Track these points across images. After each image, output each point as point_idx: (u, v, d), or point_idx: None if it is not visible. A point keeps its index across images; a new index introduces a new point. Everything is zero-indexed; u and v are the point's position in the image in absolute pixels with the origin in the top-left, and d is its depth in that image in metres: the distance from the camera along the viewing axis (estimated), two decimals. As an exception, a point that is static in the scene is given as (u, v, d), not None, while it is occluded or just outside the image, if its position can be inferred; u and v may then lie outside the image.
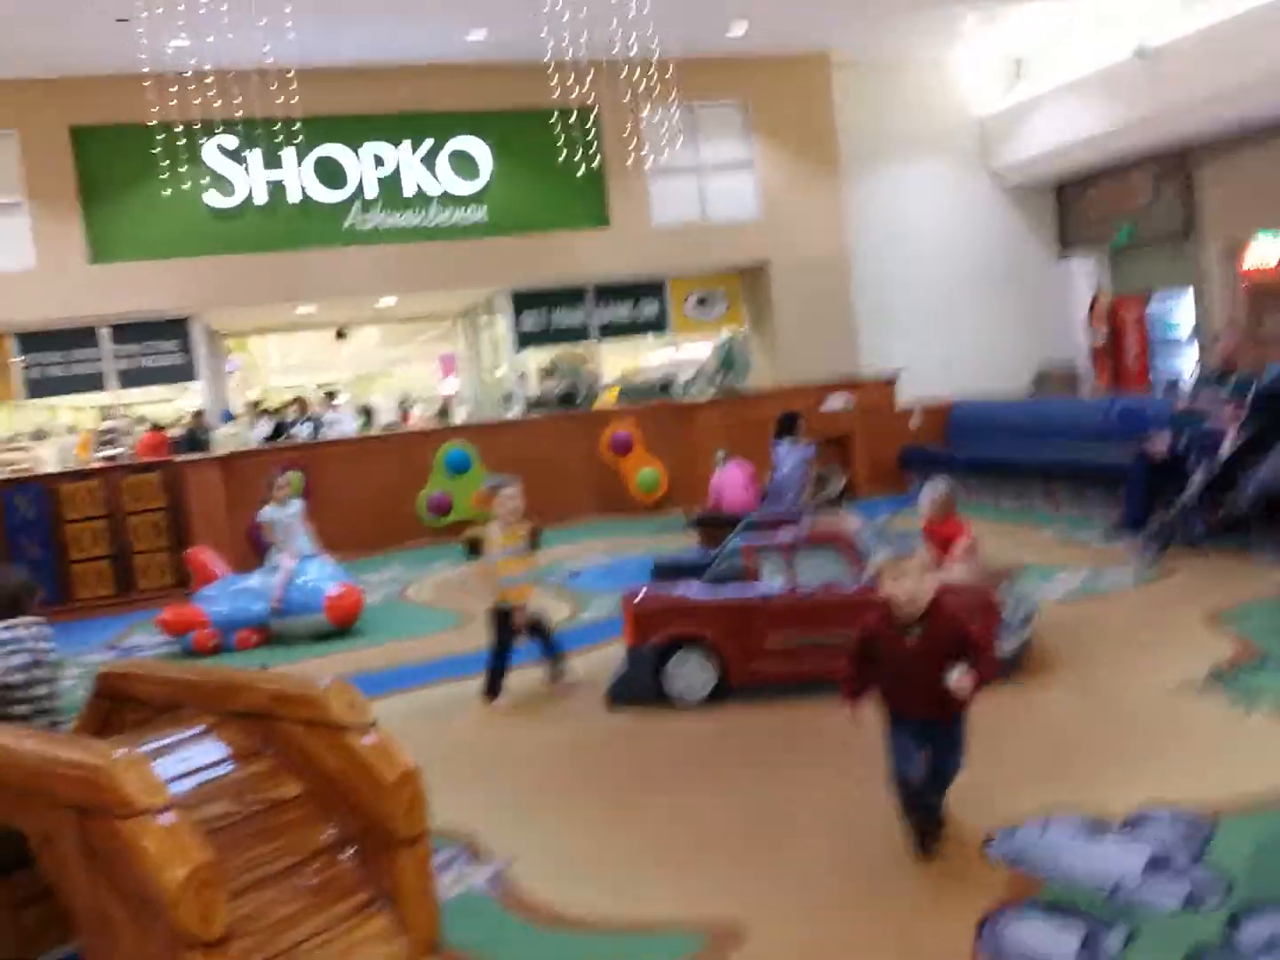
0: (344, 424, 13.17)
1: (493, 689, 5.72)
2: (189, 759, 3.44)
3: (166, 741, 3.52)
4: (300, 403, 13.99)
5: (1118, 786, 3.86)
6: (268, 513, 7.77)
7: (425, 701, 5.84)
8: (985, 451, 10.39)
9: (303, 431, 12.51)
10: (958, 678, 3.36)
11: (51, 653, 3.82)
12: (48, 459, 13.03)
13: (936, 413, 11.67)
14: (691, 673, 5.33)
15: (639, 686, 5.38)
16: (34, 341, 12.19)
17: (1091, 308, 14.86)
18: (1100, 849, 3.42)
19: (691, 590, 5.49)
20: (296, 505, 7.94)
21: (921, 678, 3.46)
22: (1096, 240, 14.83)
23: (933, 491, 6.36)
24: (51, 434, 13.91)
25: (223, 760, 3.48)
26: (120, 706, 3.89)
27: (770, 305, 13.96)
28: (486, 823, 4.15)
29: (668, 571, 6.54)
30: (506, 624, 5.76)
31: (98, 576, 10.05)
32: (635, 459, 11.51)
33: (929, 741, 3.53)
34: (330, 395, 14.90)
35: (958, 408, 11.67)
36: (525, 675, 6.06)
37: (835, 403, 11.73)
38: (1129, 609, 6.14)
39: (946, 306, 14.52)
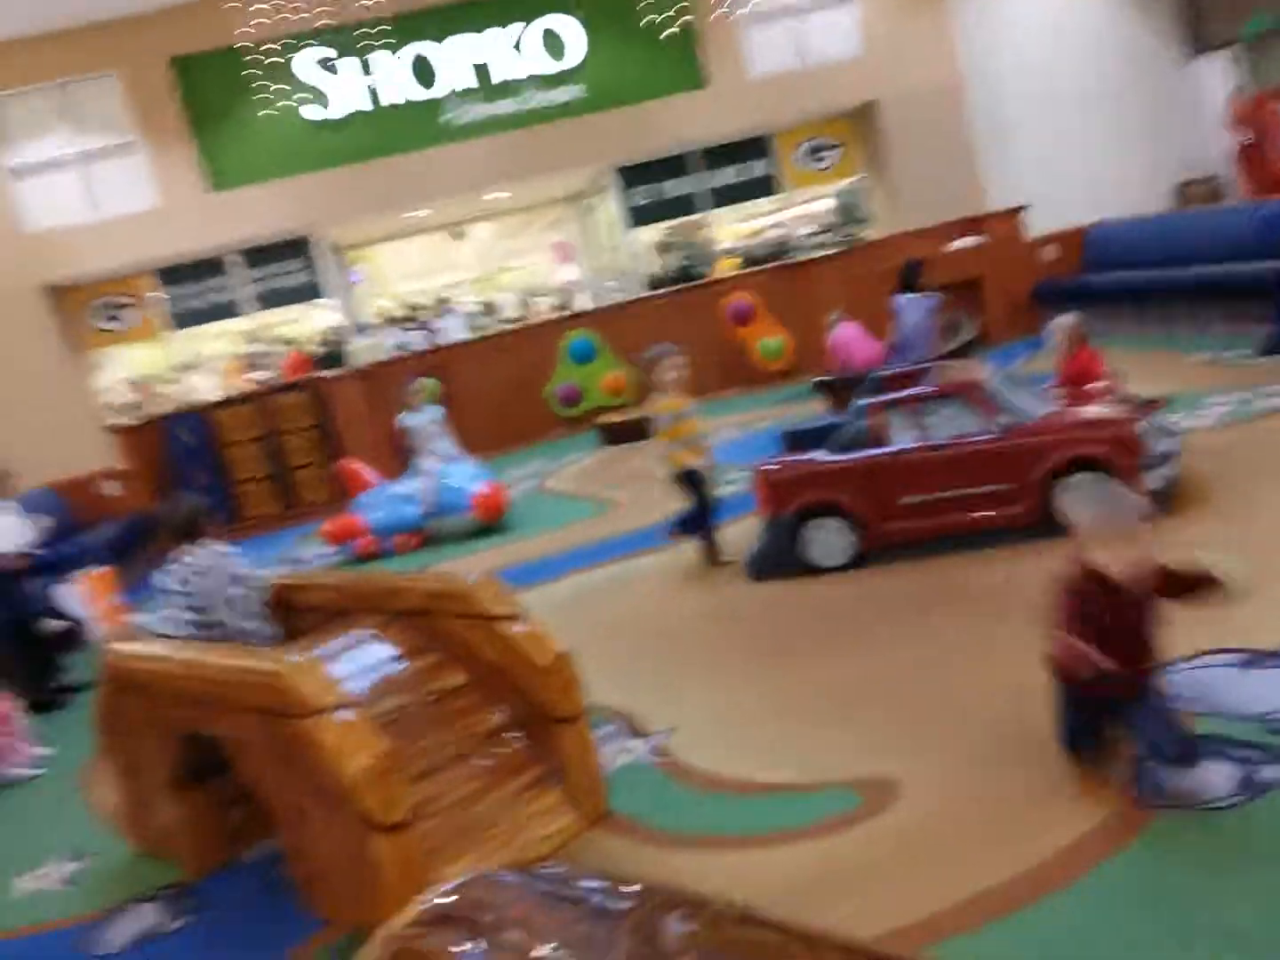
0: (454, 329, 13.31)
1: (711, 551, 5.87)
2: (360, 659, 3.69)
3: (339, 644, 3.78)
4: (415, 310, 14.23)
5: (1273, 619, 3.77)
6: (407, 419, 8.04)
7: (574, 587, 6.06)
8: (1124, 277, 9.90)
9: (415, 340, 12.72)
10: None
11: (239, 567, 4.07)
12: (202, 388, 13.67)
13: (1070, 241, 11.12)
14: (829, 538, 5.37)
15: (778, 557, 5.45)
16: (171, 275, 12.70)
17: (1231, 109, 13.80)
18: (1255, 680, 3.38)
19: (822, 456, 5.49)
20: (435, 411, 8.19)
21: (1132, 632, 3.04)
22: (1228, 36, 13.68)
23: (1060, 326, 6.16)
24: (201, 364, 14.53)
25: (392, 658, 3.72)
26: (294, 615, 4.17)
27: (884, 147, 13.42)
28: (643, 697, 4.34)
29: (798, 439, 6.55)
30: (695, 483, 5.86)
31: (262, 495, 10.62)
32: (757, 328, 11.40)
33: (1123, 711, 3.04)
34: (443, 301, 15.08)
35: (1092, 233, 11.10)
36: (667, 554, 6.23)
37: (961, 243, 11.30)
38: (1285, 430, 5.87)
39: (1071, 127, 13.67)
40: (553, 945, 1.68)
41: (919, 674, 4.02)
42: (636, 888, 1.88)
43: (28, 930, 3.74)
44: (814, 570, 5.37)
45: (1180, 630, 3.83)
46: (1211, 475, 5.35)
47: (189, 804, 3.71)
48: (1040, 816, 2.96)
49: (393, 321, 14.41)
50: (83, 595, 6.94)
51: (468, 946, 1.72)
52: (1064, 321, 6.22)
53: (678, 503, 7.18)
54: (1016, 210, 11.58)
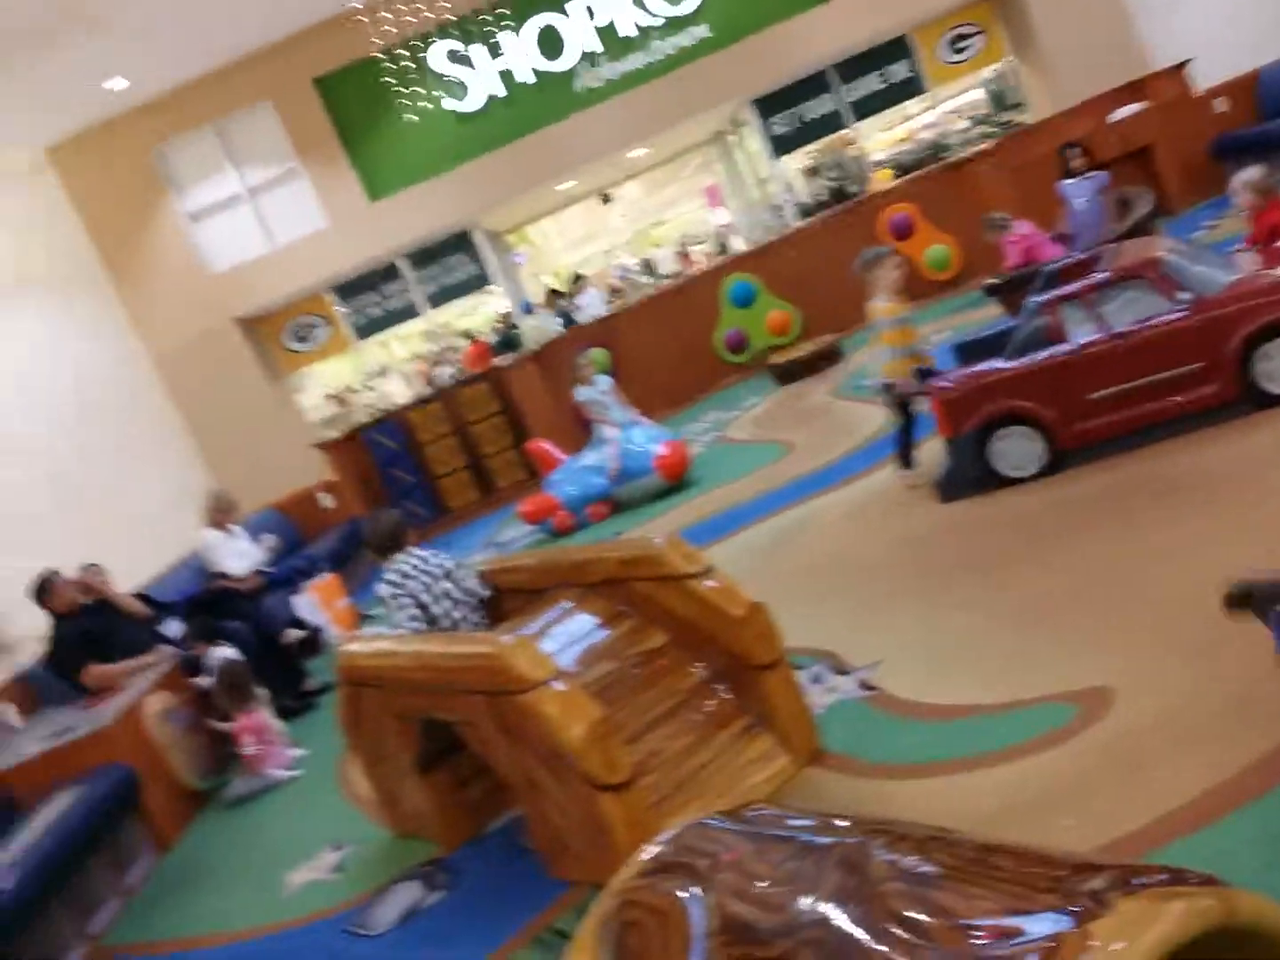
0: (593, 306, 13.35)
1: (906, 461, 5.87)
2: (565, 632, 3.89)
3: (544, 621, 3.99)
4: (565, 286, 14.34)
5: None
6: (582, 393, 8.25)
7: (765, 533, 6.12)
8: (1313, 116, 9.11)
9: (553, 325, 12.78)
10: None
11: (443, 565, 4.33)
12: (394, 392, 14.34)
13: (1242, 88, 10.27)
14: (1018, 448, 5.24)
15: (967, 475, 5.36)
16: (348, 289, 13.35)
17: None
18: None
19: (999, 364, 5.35)
20: (606, 381, 8.36)
21: None
22: None
23: (1244, 180, 5.78)
24: (389, 369, 15.23)
25: (594, 627, 3.90)
26: (499, 597, 4.42)
27: (1029, 22, 12.68)
28: (845, 634, 4.39)
29: (973, 350, 6.37)
30: (904, 399, 5.79)
31: (461, 486, 11.10)
32: (919, 238, 11.06)
33: None
34: (578, 278, 15.20)
35: (1266, 77, 10.23)
36: (855, 488, 6.21)
37: (1124, 112, 10.62)
38: None
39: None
40: (764, 884, 1.78)
41: (1126, 576, 3.91)
42: (843, 822, 1.95)
43: (305, 919, 4.12)
44: (1007, 482, 5.25)
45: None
46: None
47: (433, 785, 4.02)
48: (1260, 713, 2.86)
49: (552, 296, 14.68)
50: (315, 603, 7.48)
51: (687, 892, 1.84)
52: (1248, 176, 5.83)
53: (861, 433, 7.16)
54: (1180, 65, 10.78)
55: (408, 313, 13.59)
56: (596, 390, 8.23)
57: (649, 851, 2.03)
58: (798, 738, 3.55)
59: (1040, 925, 1.45)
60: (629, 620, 3.90)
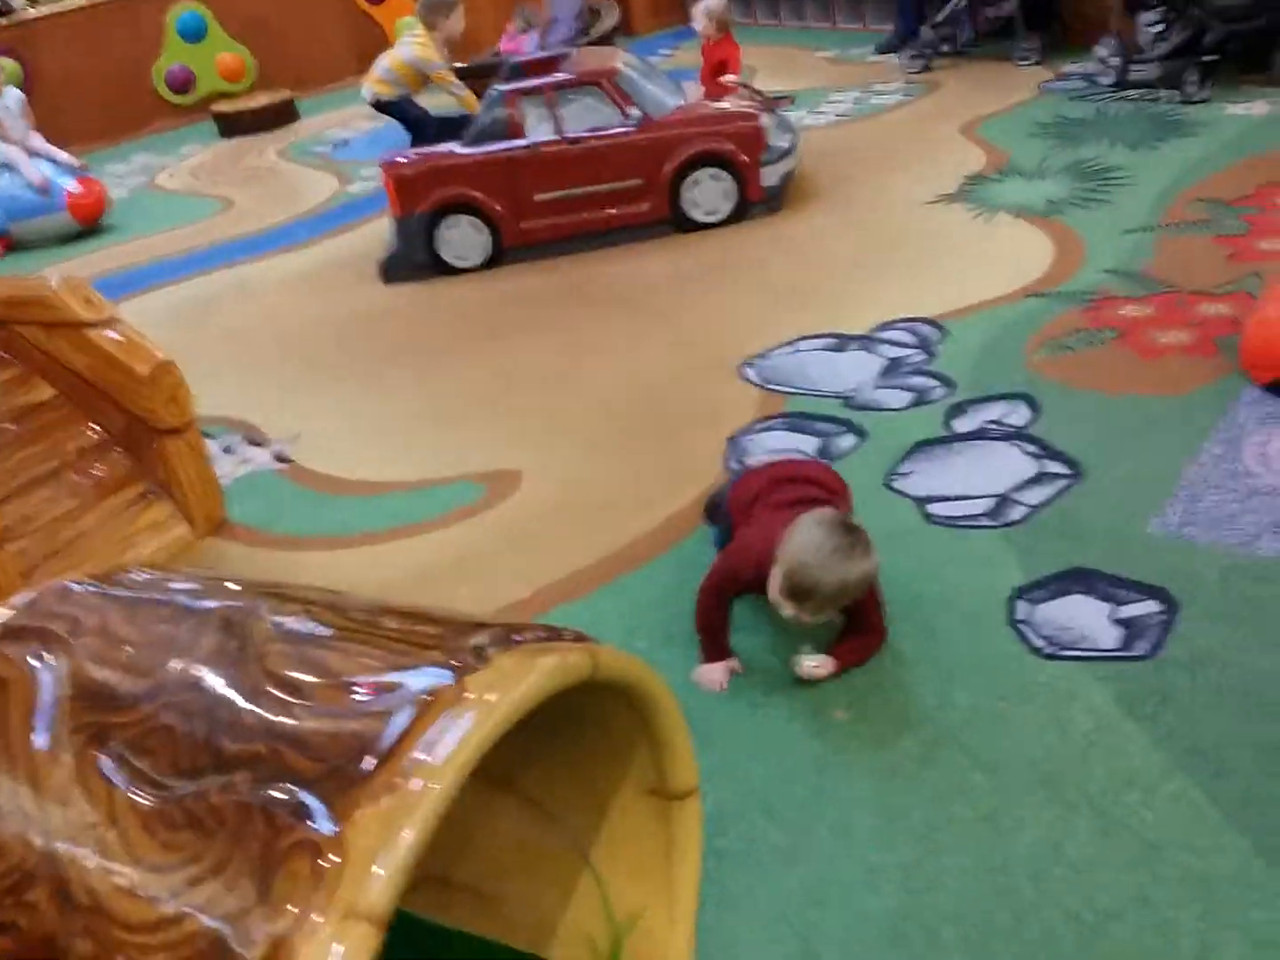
0: None
1: None
2: (-78, 377, 3.26)
3: (-107, 362, 3.31)
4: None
5: (865, 303, 4.10)
6: None
7: (189, 292, 5.59)
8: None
9: None
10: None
11: None
12: None
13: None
14: (464, 237, 5.22)
15: (412, 258, 5.25)
16: None
17: None
18: (842, 361, 3.70)
19: (456, 149, 5.24)
20: (15, 95, 7.04)
21: None
22: None
23: (707, 9, 6.10)
24: None
25: (-38, 374, 3.32)
26: None
27: None
28: (265, 407, 4.16)
29: (434, 129, 6.22)
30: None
31: None
32: (392, 6, 10.47)
33: None
34: None
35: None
36: (296, 257, 5.86)
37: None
38: (894, 127, 6.21)
39: None
40: (131, 648, 1.61)
41: (549, 374, 4.09)
42: (234, 585, 1.83)
43: None
44: (449, 271, 5.24)
45: (785, 317, 4.12)
46: (824, 170, 5.62)
47: None
48: (649, 493, 3.16)
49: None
50: None
51: (37, 658, 1.62)
52: (713, 4, 6.14)
53: (309, 200, 6.77)
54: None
55: None
56: (3, 103, 6.90)
57: (-4, 616, 1.76)
58: (201, 507, 3.32)
59: (420, 680, 1.45)
60: (10, 369, 3.36)
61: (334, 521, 3.36)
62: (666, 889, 1.80)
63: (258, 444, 3.88)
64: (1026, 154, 5.34)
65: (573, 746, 1.83)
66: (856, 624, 2.40)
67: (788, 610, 2.29)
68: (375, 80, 6.40)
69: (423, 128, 6.37)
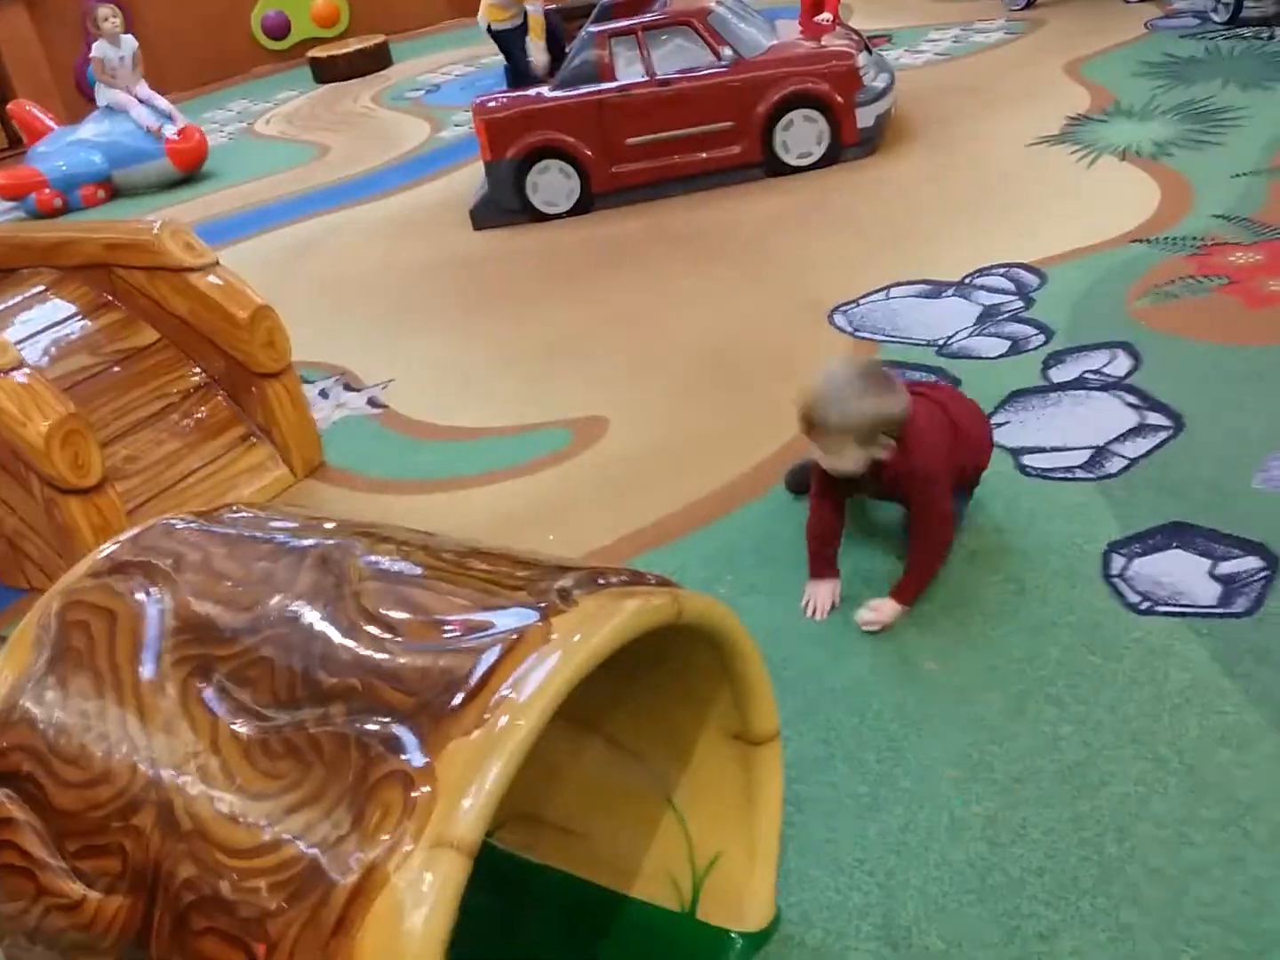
0: None
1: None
2: (34, 319, 3.40)
3: (8, 304, 3.45)
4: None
5: (961, 249, 4.01)
6: (100, 49, 7.03)
7: (285, 239, 5.69)
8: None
9: None
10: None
11: None
12: None
13: None
14: (553, 182, 5.21)
15: (502, 204, 5.27)
16: None
17: None
18: (936, 308, 3.62)
19: (546, 93, 5.22)
20: (131, 43, 7.18)
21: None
22: None
23: None
24: None
25: (71, 316, 3.45)
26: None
27: None
28: (361, 352, 4.23)
29: (524, 75, 6.20)
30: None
31: (-83, 143, 9.23)
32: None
33: None
34: None
35: None
36: (389, 203, 5.92)
37: None
38: (994, 66, 6.02)
39: None
40: (232, 583, 1.67)
41: (637, 320, 4.08)
42: (330, 524, 1.88)
43: None
44: (539, 216, 5.24)
45: (877, 263, 4.04)
46: (921, 111, 5.47)
47: None
48: (729, 452, 3.14)
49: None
50: None
51: (143, 592, 1.69)
52: None
53: (402, 146, 6.82)
54: None
55: None
56: (117, 51, 7.03)
57: (104, 551, 1.83)
58: (299, 450, 3.41)
59: (508, 620, 1.48)
60: (114, 312, 3.47)
61: (425, 466, 3.42)
62: (747, 833, 1.82)
63: (353, 389, 3.95)
64: (1133, 94, 5.13)
65: (656, 690, 1.85)
66: (915, 525, 2.40)
67: (814, 451, 2.37)
68: (490, 5, 6.33)
69: (523, 66, 6.32)
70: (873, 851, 1.92)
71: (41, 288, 3.51)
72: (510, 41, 6.37)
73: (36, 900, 1.55)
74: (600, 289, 4.40)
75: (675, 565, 2.65)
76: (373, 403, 3.85)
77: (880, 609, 2.36)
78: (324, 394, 3.93)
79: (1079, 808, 1.91)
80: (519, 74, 6.25)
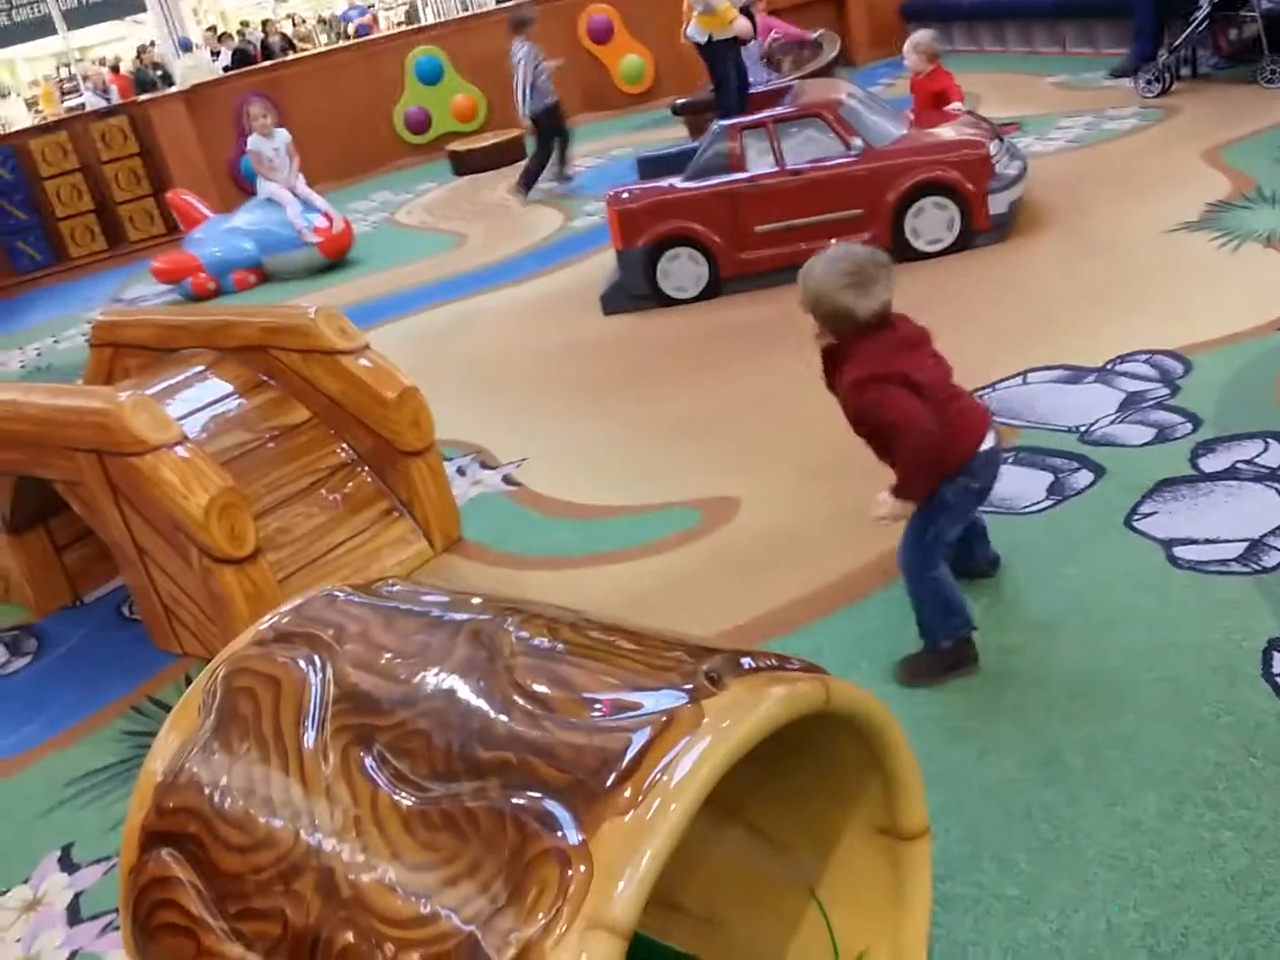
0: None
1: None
2: (195, 397, 3.58)
3: (171, 382, 3.64)
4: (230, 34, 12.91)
5: (1100, 335, 3.93)
6: (255, 143, 7.47)
7: (425, 323, 5.91)
8: (988, -5, 9.62)
9: (212, 65, 11.15)
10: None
11: None
12: (13, 118, 12.44)
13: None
14: (683, 269, 5.31)
15: (632, 290, 5.39)
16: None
17: None
18: (1076, 394, 3.56)
19: (677, 183, 5.35)
20: (284, 136, 7.59)
21: None
22: None
23: (914, 43, 6.01)
24: (10, 91, 13.18)
25: (228, 395, 3.62)
26: (121, 353, 3.98)
27: None
28: (496, 431, 4.35)
29: (654, 166, 6.34)
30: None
31: (87, 232, 9.90)
32: (617, 46, 10.79)
33: None
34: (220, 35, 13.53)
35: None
36: (523, 288, 6.10)
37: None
38: (1129, 152, 5.95)
39: None
40: (390, 655, 1.72)
41: (765, 402, 4.10)
42: (478, 599, 1.92)
43: None
44: (668, 301, 5.34)
45: (1012, 347, 4.00)
46: (1055, 198, 5.43)
47: (24, 547, 3.63)
48: (861, 535, 3.10)
49: (224, 37, 13.16)
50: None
51: (307, 661, 1.75)
52: (920, 38, 6.05)
53: (536, 235, 7.04)
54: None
55: (40, 28, 11.63)
56: (271, 144, 7.46)
57: (269, 620, 1.91)
58: (439, 525, 3.50)
59: (657, 700, 1.48)
60: (269, 391, 3.64)
61: (557, 542, 3.47)
62: (893, 931, 1.77)
63: (488, 466, 4.06)
64: (1276, 180, 5.01)
65: (798, 777, 1.82)
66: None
67: None
68: (701, 15, 6.52)
69: (726, 85, 6.42)
70: (1024, 957, 1.84)
71: (201, 368, 3.70)
72: (723, 56, 6.53)
73: (196, 960, 1.60)
74: (728, 372, 4.44)
75: (808, 650, 2.60)
76: (507, 480, 3.94)
77: (885, 501, 2.41)
78: (461, 471, 4.04)
79: (1243, 917, 1.81)
80: (728, 95, 6.32)
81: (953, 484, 2.41)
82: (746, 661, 1.59)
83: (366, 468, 3.52)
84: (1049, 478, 3.13)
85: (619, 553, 3.31)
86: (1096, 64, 7.87)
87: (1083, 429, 3.35)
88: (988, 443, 2.45)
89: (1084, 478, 3.10)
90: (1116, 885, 1.92)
